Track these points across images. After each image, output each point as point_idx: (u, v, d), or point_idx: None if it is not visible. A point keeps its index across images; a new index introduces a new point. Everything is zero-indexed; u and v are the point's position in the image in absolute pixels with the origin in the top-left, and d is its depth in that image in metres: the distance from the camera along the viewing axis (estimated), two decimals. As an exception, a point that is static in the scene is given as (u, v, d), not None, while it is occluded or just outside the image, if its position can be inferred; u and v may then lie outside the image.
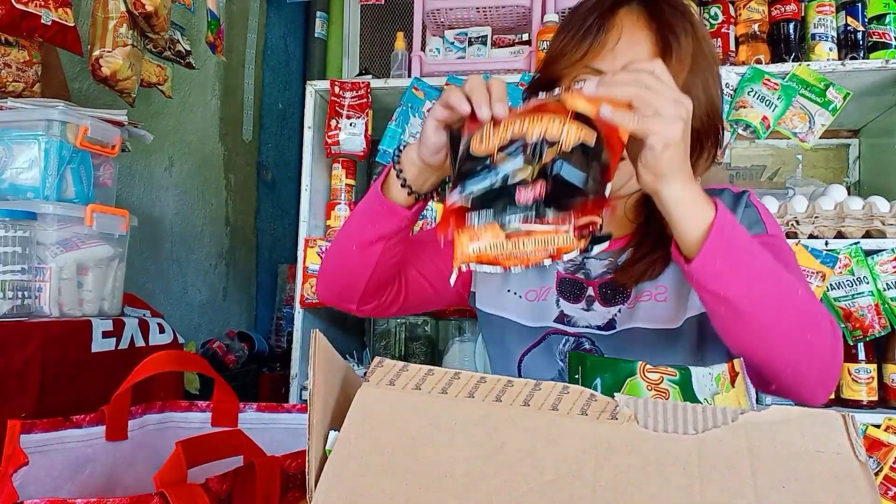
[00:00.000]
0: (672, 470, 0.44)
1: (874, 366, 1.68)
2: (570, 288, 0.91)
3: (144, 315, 1.37)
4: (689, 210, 0.69)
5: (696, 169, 0.86)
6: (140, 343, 1.27)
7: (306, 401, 0.52)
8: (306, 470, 0.48)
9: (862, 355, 1.68)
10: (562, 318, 0.90)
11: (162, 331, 1.33)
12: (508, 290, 0.94)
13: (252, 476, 0.69)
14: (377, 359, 0.54)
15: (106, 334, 1.19)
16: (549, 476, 0.44)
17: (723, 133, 0.89)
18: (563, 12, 1.97)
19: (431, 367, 0.53)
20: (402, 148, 0.84)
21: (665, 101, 0.65)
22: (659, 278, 0.86)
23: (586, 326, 0.89)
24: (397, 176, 0.82)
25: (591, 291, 0.89)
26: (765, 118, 1.80)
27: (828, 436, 0.44)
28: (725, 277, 0.68)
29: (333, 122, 1.97)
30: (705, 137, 0.85)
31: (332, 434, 0.51)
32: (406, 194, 0.83)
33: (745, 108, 1.80)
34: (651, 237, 0.87)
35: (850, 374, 1.68)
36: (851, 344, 1.67)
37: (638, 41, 0.79)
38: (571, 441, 0.46)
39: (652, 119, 0.65)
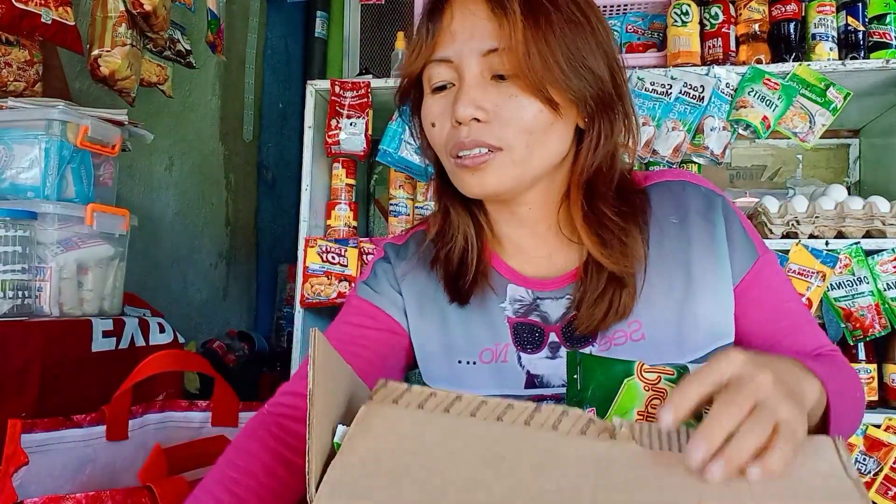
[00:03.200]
0: (670, 483, 0.45)
1: (874, 366, 1.68)
2: (527, 335, 0.78)
3: (145, 314, 1.37)
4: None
5: (606, 145, 0.75)
6: (140, 342, 1.27)
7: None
8: (306, 469, 0.48)
9: (862, 355, 1.68)
10: (532, 381, 0.78)
11: (162, 330, 1.33)
12: (459, 362, 0.80)
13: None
14: (381, 380, 0.55)
15: (106, 334, 1.19)
16: (550, 486, 0.45)
17: (628, 96, 0.77)
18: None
19: (434, 389, 0.55)
20: None
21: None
22: (630, 314, 0.74)
23: (562, 385, 0.75)
24: None
25: (553, 337, 0.77)
26: (765, 118, 1.80)
27: (821, 456, 0.47)
28: (836, 430, 0.63)
29: (334, 122, 1.97)
30: (599, 103, 0.73)
31: (341, 428, 0.52)
32: None
33: (745, 107, 1.80)
34: (606, 263, 0.74)
35: (850, 374, 1.67)
36: (852, 344, 1.67)
37: (470, 13, 0.73)
38: (571, 455, 0.47)
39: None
